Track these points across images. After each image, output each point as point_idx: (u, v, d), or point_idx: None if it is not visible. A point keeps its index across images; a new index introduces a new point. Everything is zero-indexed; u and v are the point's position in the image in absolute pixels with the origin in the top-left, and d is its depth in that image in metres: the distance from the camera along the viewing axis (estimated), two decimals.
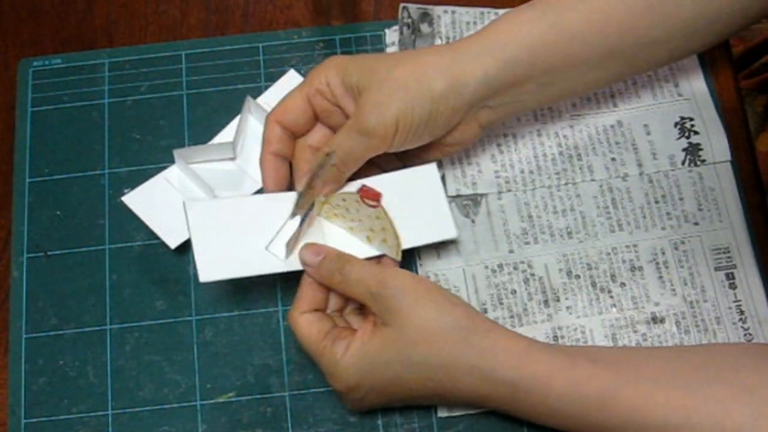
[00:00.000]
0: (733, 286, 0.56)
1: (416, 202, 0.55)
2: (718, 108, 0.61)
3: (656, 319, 0.56)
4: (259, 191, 0.59)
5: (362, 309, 0.53)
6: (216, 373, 0.55)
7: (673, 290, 0.56)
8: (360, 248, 0.54)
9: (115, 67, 0.63)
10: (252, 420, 0.54)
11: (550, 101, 0.57)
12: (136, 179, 0.59)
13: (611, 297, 0.56)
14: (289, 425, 0.54)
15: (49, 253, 0.58)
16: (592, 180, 0.59)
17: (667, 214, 0.58)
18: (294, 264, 0.53)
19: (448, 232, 0.54)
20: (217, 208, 0.54)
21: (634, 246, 0.57)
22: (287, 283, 0.57)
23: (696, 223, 0.58)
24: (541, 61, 0.51)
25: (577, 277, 0.57)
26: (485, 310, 0.56)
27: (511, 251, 0.57)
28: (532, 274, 0.57)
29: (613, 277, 0.57)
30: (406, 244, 0.54)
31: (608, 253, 0.57)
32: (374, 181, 0.55)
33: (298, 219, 0.53)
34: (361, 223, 0.54)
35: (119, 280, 0.57)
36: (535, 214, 0.58)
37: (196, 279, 0.56)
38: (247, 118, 0.60)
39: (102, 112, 0.62)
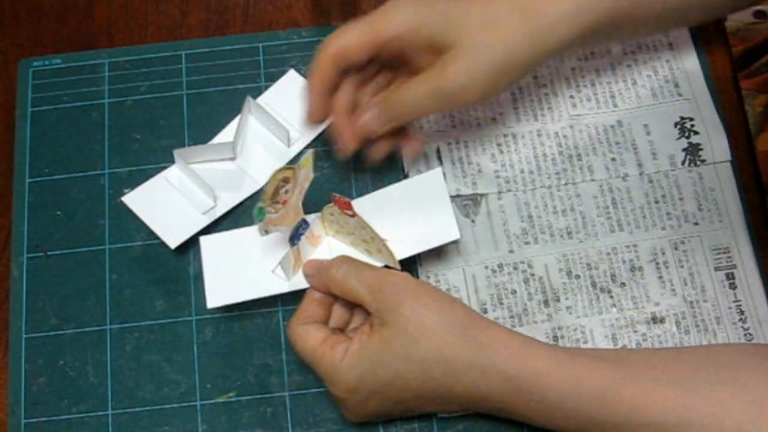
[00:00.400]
0: (733, 286, 0.56)
1: (422, 209, 0.55)
2: (718, 108, 0.61)
3: (656, 319, 0.56)
4: (258, 191, 0.59)
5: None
6: (216, 373, 0.55)
7: (673, 290, 0.56)
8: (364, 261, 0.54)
9: (115, 67, 0.63)
10: (252, 420, 0.54)
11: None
12: (136, 179, 0.59)
13: (611, 297, 0.56)
14: (289, 425, 0.54)
15: (49, 253, 0.58)
16: (592, 180, 0.59)
17: (667, 214, 0.58)
18: (297, 284, 0.54)
19: (451, 235, 0.54)
20: (228, 239, 0.55)
21: (634, 246, 0.57)
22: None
23: (696, 223, 0.58)
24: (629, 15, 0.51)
25: (577, 277, 0.57)
26: (485, 310, 0.56)
27: (511, 251, 0.57)
28: (532, 274, 0.57)
29: (613, 277, 0.57)
30: (410, 251, 0.54)
31: (608, 253, 0.57)
32: (381, 194, 0.56)
33: (298, 246, 0.54)
34: (355, 236, 0.54)
35: (119, 280, 0.57)
36: (535, 214, 0.58)
37: (196, 279, 0.57)
38: (247, 118, 0.60)
39: (102, 112, 0.62)
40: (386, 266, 0.53)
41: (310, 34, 0.64)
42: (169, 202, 0.58)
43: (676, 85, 0.62)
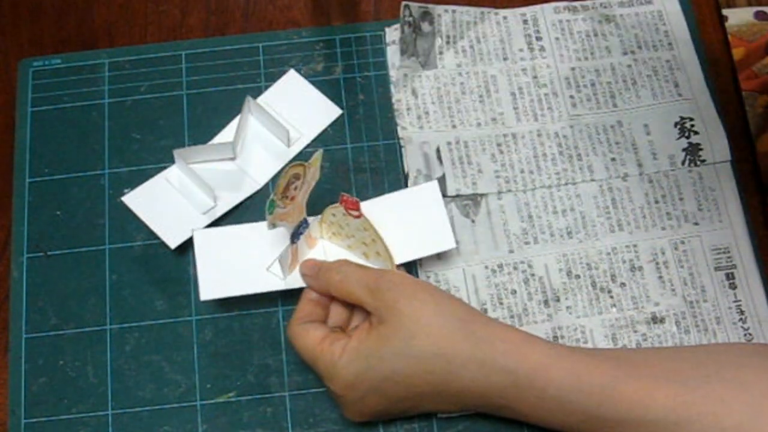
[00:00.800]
0: (733, 286, 0.56)
1: (418, 218, 0.56)
2: (718, 108, 0.61)
3: (656, 319, 0.56)
4: (258, 191, 0.59)
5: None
6: (216, 373, 0.55)
7: (673, 290, 0.56)
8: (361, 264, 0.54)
9: (115, 67, 0.63)
10: (252, 420, 0.54)
11: None
12: (136, 179, 0.59)
13: (611, 297, 0.56)
14: (289, 425, 0.54)
15: (49, 253, 0.58)
16: (592, 180, 0.59)
17: (667, 214, 0.58)
18: (292, 282, 0.54)
19: (447, 243, 0.55)
20: (223, 234, 0.56)
21: (634, 246, 0.57)
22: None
23: (696, 223, 0.58)
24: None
25: (577, 277, 0.57)
26: (485, 310, 0.56)
27: (511, 251, 0.57)
28: (532, 274, 0.57)
29: (613, 277, 0.57)
30: (408, 256, 0.55)
31: (608, 253, 0.57)
32: (377, 201, 0.56)
33: (296, 244, 0.54)
34: (355, 239, 0.54)
35: (119, 280, 0.57)
36: (535, 214, 0.58)
37: (196, 279, 0.56)
38: (247, 118, 0.60)
39: (102, 112, 0.62)
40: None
41: (310, 34, 0.64)
42: (169, 202, 0.58)
43: (676, 85, 0.62)
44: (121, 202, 0.57)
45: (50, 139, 0.61)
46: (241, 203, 0.59)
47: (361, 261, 0.54)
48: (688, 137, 0.60)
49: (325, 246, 0.56)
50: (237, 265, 0.54)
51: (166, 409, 0.54)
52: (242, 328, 0.56)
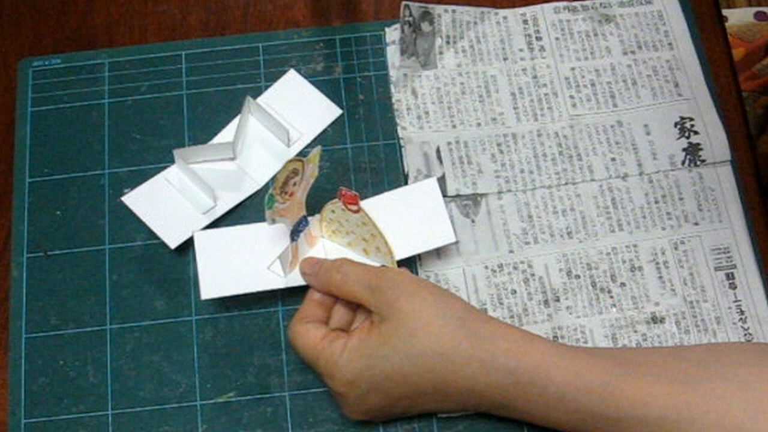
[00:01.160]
0: (733, 286, 0.56)
1: (417, 213, 0.56)
2: (718, 108, 0.61)
3: (656, 319, 0.56)
4: (258, 191, 0.59)
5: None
6: (216, 373, 0.55)
7: (673, 290, 0.56)
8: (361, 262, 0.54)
9: (115, 67, 0.63)
10: (252, 420, 0.54)
11: None
12: (136, 179, 0.59)
13: (611, 297, 0.56)
14: (289, 425, 0.54)
15: (49, 253, 0.58)
16: (592, 180, 0.59)
17: (667, 214, 0.58)
18: (293, 280, 0.54)
19: (447, 238, 0.55)
20: (223, 235, 0.56)
21: (634, 246, 0.57)
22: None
23: (696, 223, 0.58)
24: None
25: (577, 277, 0.57)
26: (485, 310, 0.56)
27: (511, 251, 0.57)
28: (532, 274, 0.57)
29: (613, 277, 0.57)
30: (408, 252, 0.55)
31: (608, 253, 0.57)
32: (377, 200, 0.56)
33: (296, 242, 0.54)
34: (355, 235, 0.54)
35: (119, 280, 0.57)
36: (535, 214, 0.58)
37: (196, 279, 0.56)
38: (247, 118, 0.60)
39: (102, 112, 0.62)
40: (383, 266, 0.53)
41: (310, 34, 0.64)
42: (169, 202, 0.58)
43: (676, 85, 0.62)
44: (121, 202, 0.57)
45: (50, 139, 0.61)
46: (241, 203, 0.59)
47: (362, 258, 0.54)
48: (688, 137, 0.60)
49: (325, 244, 0.56)
50: (237, 264, 0.54)
51: (166, 409, 0.54)
52: (242, 328, 0.56)
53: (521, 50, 0.63)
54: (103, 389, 0.55)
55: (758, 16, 0.66)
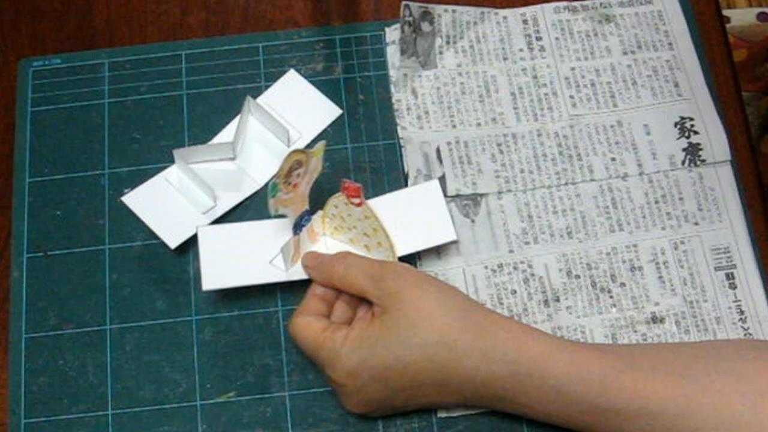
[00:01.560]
0: (733, 286, 0.56)
1: (419, 213, 0.56)
2: (718, 108, 0.61)
3: (656, 319, 0.56)
4: (258, 191, 0.59)
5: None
6: (216, 373, 0.55)
7: (673, 290, 0.56)
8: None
9: (115, 67, 0.63)
10: (252, 420, 0.54)
11: None
12: (136, 179, 0.59)
13: (611, 297, 0.56)
14: (289, 425, 0.54)
15: (49, 253, 0.58)
16: (592, 180, 0.59)
17: (667, 214, 0.58)
18: (294, 274, 0.54)
19: (448, 236, 0.55)
20: (226, 231, 0.56)
21: (634, 246, 0.57)
22: (287, 283, 0.56)
23: (696, 223, 0.58)
24: None
25: (577, 277, 0.57)
26: None
27: (511, 251, 0.57)
28: (532, 274, 0.57)
29: (613, 277, 0.57)
30: (409, 249, 0.55)
31: (608, 253, 0.57)
32: (379, 200, 0.56)
33: (299, 236, 0.54)
34: (357, 230, 0.55)
35: (119, 280, 0.57)
36: (535, 214, 0.58)
37: (196, 279, 0.56)
38: (247, 118, 0.60)
39: (102, 112, 0.62)
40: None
41: (310, 34, 0.64)
42: (169, 202, 0.58)
43: (676, 85, 0.62)
44: (121, 202, 0.57)
45: (50, 139, 0.61)
46: (241, 203, 0.59)
47: (363, 254, 0.54)
48: (688, 137, 0.60)
49: (327, 241, 0.56)
50: (239, 258, 0.55)
51: (166, 409, 0.54)
52: (242, 328, 0.56)
53: (521, 50, 0.63)
54: (103, 389, 0.55)
55: (760, 16, 0.66)
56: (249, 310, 0.57)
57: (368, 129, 0.61)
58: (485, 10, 0.64)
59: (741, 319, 0.56)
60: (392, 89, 0.62)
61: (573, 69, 0.62)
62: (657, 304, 0.56)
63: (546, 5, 0.65)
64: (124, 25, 0.65)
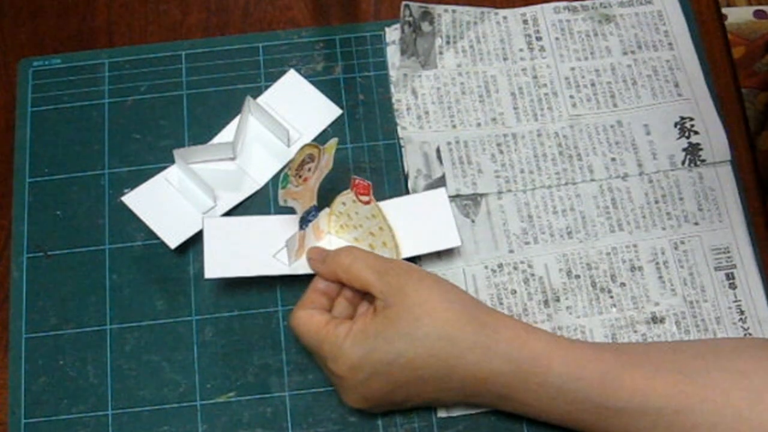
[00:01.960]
0: (733, 286, 0.56)
1: (424, 219, 0.56)
2: (718, 108, 0.61)
3: (656, 319, 0.56)
4: (258, 191, 0.59)
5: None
6: (216, 373, 0.55)
7: (673, 290, 0.56)
8: None
9: (115, 67, 0.63)
10: (252, 420, 0.54)
11: None
12: (136, 179, 0.59)
13: (611, 297, 0.56)
14: (289, 425, 0.54)
15: (49, 253, 0.58)
16: (592, 180, 0.59)
17: (667, 214, 0.58)
18: (298, 269, 0.54)
19: (453, 241, 0.56)
20: (232, 223, 0.56)
21: (634, 246, 0.57)
22: (287, 283, 0.57)
23: (696, 223, 0.58)
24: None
25: (577, 277, 0.57)
26: None
27: (511, 251, 0.57)
28: (532, 274, 0.57)
29: (613, 277, 0.57)
30: (413, 251, 0.55)
31: (608, 253, 0.57)
32: (385, 204, 0.56)
33: (304, 231, 0.54)
34: (363, 229, 0.55)
35: (119, 280, 0.57)
36: (535, 214, 0.58)
37: (196, 279, 0.56)
38: (247, 118, 0.60)
39: (102, 112, 0.62)
40: None
41: (310, 34, 0.64)
42: (169, 202, 0.58)
43: (676, 85, 0.62)
44: (121, 202, 0.57)
45: (50, 139, 0.61)
46: (241, 203, 0.59)
47: None
48: (688, 137, 0.60)
49: (332, 239, 0.56)
50: (243, 250, 0.55)
51: (166, 409, 0.54)
52: (242, 328, 0.56)
53: (521, 50, 0.63)
54: (103, 389, 0.55)
55: (757, 14, 0.66)
56: (249, 310, 0.57)
57: (368, 129, 0.61)
58: (485, 10, 0.64)
59: (741, 319, 0.56)
60: (392, 89, 0.62)
61: (573, 69, 0.62)
62: (657, 304, 0.56)
63: (546, 5, 0.65)
64: (124, 25, 0.65)
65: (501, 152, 0.60)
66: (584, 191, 0.59)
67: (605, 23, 0.64)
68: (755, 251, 0.57)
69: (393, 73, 0.62)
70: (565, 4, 0.64)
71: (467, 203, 0.59)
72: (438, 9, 0.64)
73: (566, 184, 0.59)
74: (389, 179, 0.60)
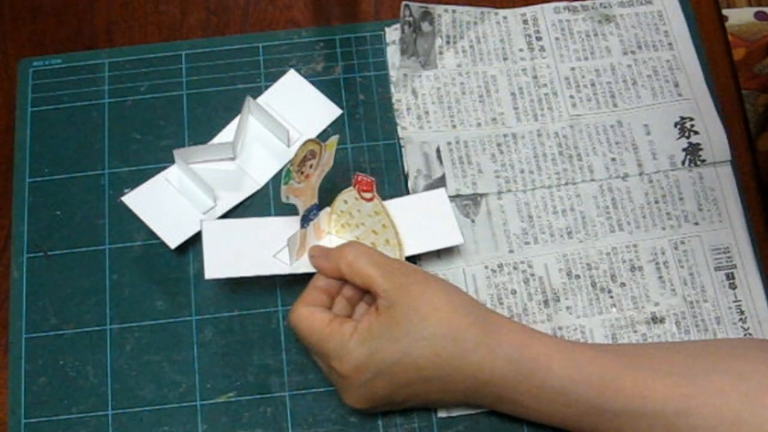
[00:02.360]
0: (733, 286, 0.56)
1: (425, 219, 0.56)
2: (718, 108, 0.61)
3: (656, 319, 0.56)
4: (258, 191, 0.59)
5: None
6: (216, 373, 0.55)
7: (673, 290, 0.56)
8: None
9: (115, 67, 0.63)
10: (252, 420, 0.54)
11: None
12: (136, 179, 0.59)
13: (611, 297, 0.56)
14: (289, 425, 0.54)
15: (49, 253, 0.58)
16: (592, 180, 0.59)
17: (667, 214, 0.58)
18: (299, 267, 0.54)
19: (455, 239, 0.56)
20: (231, 225, 0.56)
21: (634, 246, 0.57)
22: (287, 283, 0.57)
23: (696, 223, 0.58)
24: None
25: (577, 277, 0.57)
26: None
27: (511, 251, 0.57)
28: (532, 274, 0.57)
29: (613, 277, 0.57)
30: (416, 249, 0.55)
31: (608, 253, 0.57)
32: (386, 204, 0.56)
33: (306, 230, 0.54)
34: (365, 227, 0.55)
35: (119, 280, 0.57)
36: (535, 214, 0.58)
37: (196, 279, 0.56)
38: (247, 118, 0.60)
39: (102, 112, 0.62)
40: None
41: (310, 34, 0.64)
42: (169, 202, 0.58)
43: (676, 85, 0.62)
44: (121, 202, 0.57)
45: (50, 139, 0.61)
46: (241, 203, 0.59)
47: None
48: (688, 137, 0.60)
49: (332, 239, 0.56)
50: (243, 251, 0.55)
51: (166, 409, 0.54)
52: (242, 328, 0.56)
53: (521, 50, 0.63)
54: (103, 389, 0.55)
55: (758, 15, 0.66)
56: (249, 310, 0.57)
57: (368, 129, 0.61)
58: (485, 10, 0.64)
59: (741, 319, 0.56)
60: (392, 89, 0.62)
61: (573, 69, 0.62)
62: (657, 304, 0.56)
63: (546, 5, 0.65)
64: (124, 25, 0.65)
65: (501, 152, 0.60)
66: (584, 191, 0.59)
67: (605, 23, 0.64)
68: (755, 251, 0.57)
69: (393, 73, 0.62)
70: (565, 4, 0.64)
71: (467, 203, 0.59)
72: (438, 9, 0.64)
73: (566, 184, 0.59)
74: (389, 179, 0.60)
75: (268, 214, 0.58)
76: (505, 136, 0.61)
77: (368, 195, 0.54)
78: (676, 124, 0.61)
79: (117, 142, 0.61)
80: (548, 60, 0.63)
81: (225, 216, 0.58)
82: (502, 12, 0.64)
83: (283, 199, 0.52)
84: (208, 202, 0.58)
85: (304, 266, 0.54)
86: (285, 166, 0.51)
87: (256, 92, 0.62)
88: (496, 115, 0.61)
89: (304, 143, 0.51)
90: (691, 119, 0.61)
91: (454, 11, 0.64)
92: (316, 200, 0.54)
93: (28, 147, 0.61)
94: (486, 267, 0.57)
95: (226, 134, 0.61)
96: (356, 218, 0.55)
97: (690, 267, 0.57)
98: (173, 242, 0.56)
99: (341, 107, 0.62)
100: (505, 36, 0.64)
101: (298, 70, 0.63)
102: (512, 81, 0.62)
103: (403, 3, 0.63)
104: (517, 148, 0.60)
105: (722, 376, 0.46)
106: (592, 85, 0.62)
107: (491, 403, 0.51)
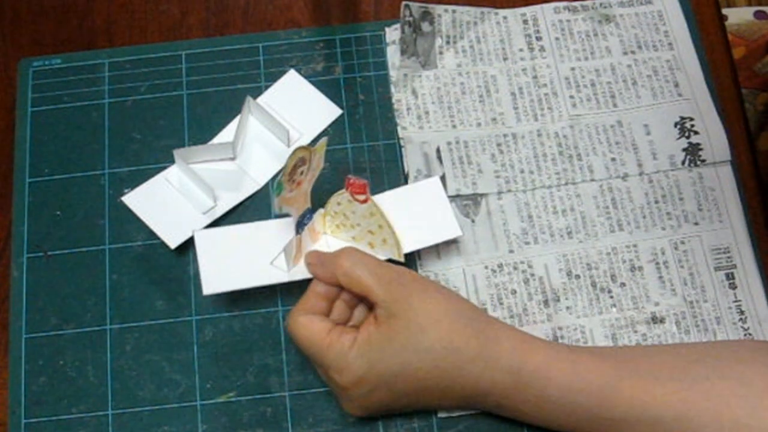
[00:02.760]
0: (733, 286, 0.56)
1: (421, 210, 0.56)
2: (718, 108, 0.61)
3: (656, 319, 0.56)
4: (258, 191, 0.59)
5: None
6: (216, 373, 0.55)
7: (673, 290, 0.56)
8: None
9: (115, 67, 0.63)
10: (252, 420, 0.54)
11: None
12: (136, 179, 0.59)
13: (611, 297, 0.56)
14: (289, 425, 0.54)
15: (49, 253, 0.58)
16: (592, 180, 0.59)
17: (667, 214, 0.58)
18: (296, 274, 0.54)
19: (453, 232, 0.55)
20: (224, 233, 0.55)
21: (634, 246, 0.57)
22: (287, 283, 0.56)
23: (696, 223, 0.58)
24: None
25: (577, 277, 0.57)
26: (485, 311, 0.56)
27: (511, 251, 0.57)
28: (532, 274, 0.57)
29: (613, 277, 0.57)
30: (413, 246, 0.55)
31: (608, 253, 0.57)
32: (380, 198, 0.56)
33: (301, 235, 0.54)
34: (360, 228, 0.54)
35: (119, 280, 0.57)
36: (535, 214, 0.58)
37: (197, 279, 0.56)
38: (247, 118, 0.60)
39: (102, 112, 0.62)
40: (389, 260, 0.53)
41: (310, 34, 0.64)
42: (169, 202, 0.58)
43: (676, 85, 0.62)
44: (121, 202, 0.57)
45: (50, 139, 0.61)
46: (241, 203, 0.59)
47: (368, 251, 0.54)
48: (688, 137, 0.60)
49: (329, 240, 0.56)
50: (239, 260, 0.54)
51: (166, 409, 0.54)
52: (242, 328, 0.56)
53: (521, 50, 0.63)
54: (103, 389, 0.55)
55: (758, 15, 0.66)
56: (249, 311, 0.57)
57: (368, 129, 0.61)
58: (485, 10, 0.64)
59: (741, 319, 0.56)
60: (392, 89, 0.62)
61: (573, 69, 0.62)
62: (657, 304, 0.56)
63: (546, 5, 0.65)
64: (124, 25, 0.65)
65: (501, 152, 0.60)
66: (584, 191, 0.59)
67: (605, 23, 0.64)
68: (755, 251, 0.57)
69: (393, 73, 0.62)
70: (565, 4, 0.64)
71: (467, 203, 0.59)
72: (438, 9, 0.64)
73: (566, 184, 0.59)
74: (389, 179, 0.60)
75: (268, 215, 0.58)
76: (505, 136, 0.61)
77: (361, 197, 0.54)
78: (676, 124, 0.61)
79: (117, 142, 0.61)
80: (548, 60, 0.63)
81: (225, 216, 0.58)
82: (502, 12, 0.64)
83: (277, 210, 0.52)
84: (208, 202, 0.58)
85: (301, 273, 0.54)
86: (276, 177, 0.51)
87: (256, 92, 0.62)
88: (496, 115, 0.61)
89: (294, 152, 0.50)
90: (691, 119, 0.61)
91: (454, 11, 0.64)
92: (308, 205, 0.54)
93: (28, 147, 0.61)
94: (486, 267, 0.57)
95: (226, 134, 0.61)
96: (351, 219, 0.55)
97: (690, 267, 0.57)
98: (173, 242, 0.57)
99: (341, 107, 0.62)
100: (505, 36, 0.64)
101: (298, 70, 0.63)
102: (512, 81, 0.62)
103: (403, 3, 0.63)
104: (517, 148, 0.60)
105: (723, 381, 0.46)
106: (592, 85, 0.62)
107: (490, 409, 0.51)
